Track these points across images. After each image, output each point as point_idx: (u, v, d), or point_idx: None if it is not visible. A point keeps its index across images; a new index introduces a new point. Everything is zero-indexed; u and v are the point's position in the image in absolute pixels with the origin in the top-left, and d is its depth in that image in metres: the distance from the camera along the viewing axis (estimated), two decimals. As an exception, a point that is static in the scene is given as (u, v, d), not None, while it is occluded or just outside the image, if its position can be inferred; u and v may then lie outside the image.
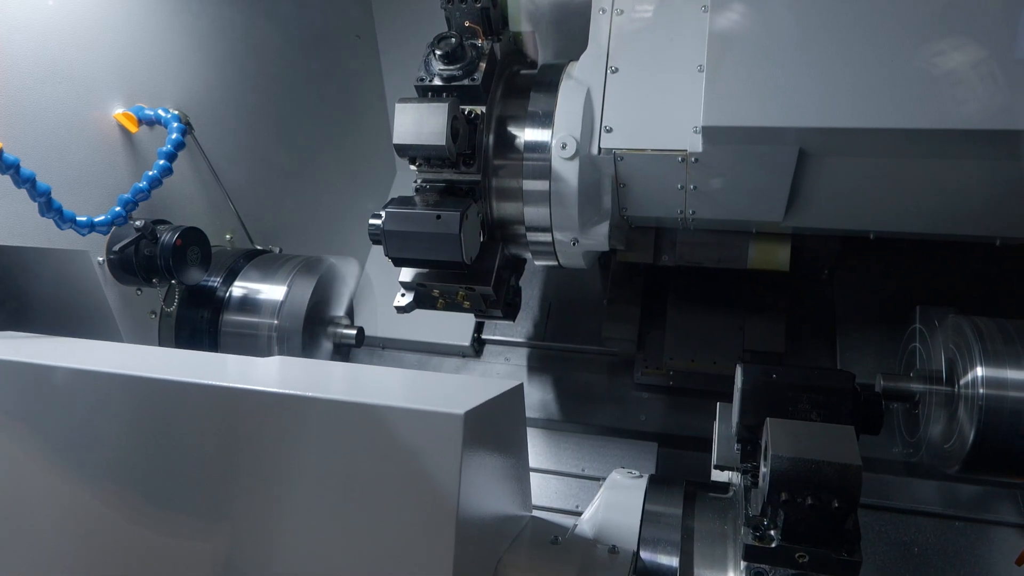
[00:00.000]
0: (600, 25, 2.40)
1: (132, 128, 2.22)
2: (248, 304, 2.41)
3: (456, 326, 3.37)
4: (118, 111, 2.20)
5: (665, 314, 3.14)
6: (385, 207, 2.26)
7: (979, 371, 2.08)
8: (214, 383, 1.18)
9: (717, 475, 1.98)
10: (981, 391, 2.06)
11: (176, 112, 2.32)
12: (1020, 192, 2.17)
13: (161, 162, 2.21)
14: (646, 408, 3.11)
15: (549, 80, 2.40)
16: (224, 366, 1.45)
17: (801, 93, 2.07)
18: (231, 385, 1.18)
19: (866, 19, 2.05)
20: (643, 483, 1.75)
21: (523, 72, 2.55)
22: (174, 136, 2.24)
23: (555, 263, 2.56)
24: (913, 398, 2.37)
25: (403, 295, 2.51)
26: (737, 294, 3.11)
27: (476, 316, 2.65)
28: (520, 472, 1.44)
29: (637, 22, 2.37)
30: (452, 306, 2.52)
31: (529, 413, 3.16)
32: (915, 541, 2.63)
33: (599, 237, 2.43)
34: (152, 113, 2.27)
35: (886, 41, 2.03)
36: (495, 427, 1.25)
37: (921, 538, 2.63)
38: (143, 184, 2.16)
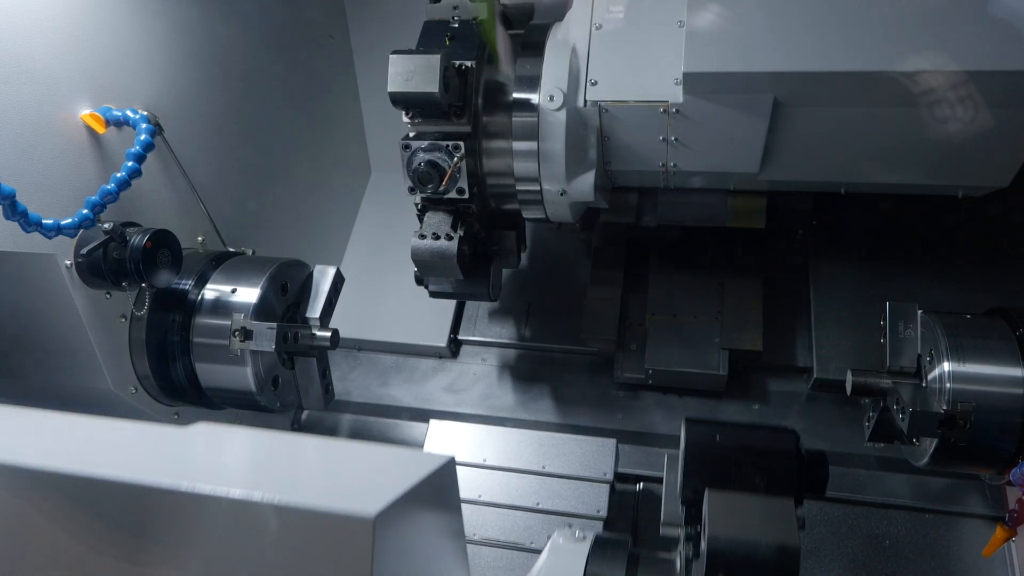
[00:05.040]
0: None
1: (100, 129, 2.18)
2: (220, 307, 2.37)
3: (432, 327, 3.35)
4: (85, 112, 2.16)
5: (648, 279, 3.24)
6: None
7: (946, 366, 2.12)
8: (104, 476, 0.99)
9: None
10: (948, 385, 2.10)
11: (145, 113, 2.27)
12: (990, 140, 2.23)
13: (129, 163, 2.17)
14: (623, 407, 3.12)
15: (536, 40, 2.53)
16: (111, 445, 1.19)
17: (776, 39, 2.17)
18: (108, 477, 0.98)
19: None
20: (585, 547, 1.72)
21: (509, 32, 2.66)
22: (143, 137, 2.20)
23: (543, 216, 2.68)
24: (883, 394, 2.40)
25: None
26: (715, 255, 3.25)
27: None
28: (455, 557, 1.27)
29: None
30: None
31: (508, 414, 3.17)
32: (887, 534, 2.67)
33: (585, 187, 2.54)
34: (120, 114, 2.23)
35: None
36: (419, 519, 1.06)
37: (892, 531, 2.67)
38: (111, 186, 2.12)
